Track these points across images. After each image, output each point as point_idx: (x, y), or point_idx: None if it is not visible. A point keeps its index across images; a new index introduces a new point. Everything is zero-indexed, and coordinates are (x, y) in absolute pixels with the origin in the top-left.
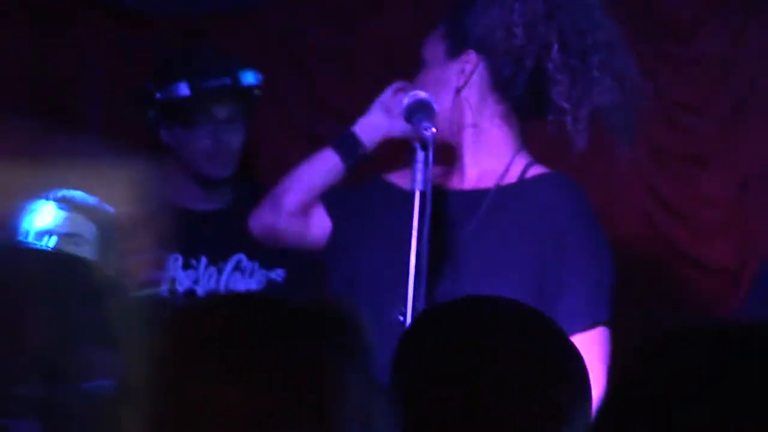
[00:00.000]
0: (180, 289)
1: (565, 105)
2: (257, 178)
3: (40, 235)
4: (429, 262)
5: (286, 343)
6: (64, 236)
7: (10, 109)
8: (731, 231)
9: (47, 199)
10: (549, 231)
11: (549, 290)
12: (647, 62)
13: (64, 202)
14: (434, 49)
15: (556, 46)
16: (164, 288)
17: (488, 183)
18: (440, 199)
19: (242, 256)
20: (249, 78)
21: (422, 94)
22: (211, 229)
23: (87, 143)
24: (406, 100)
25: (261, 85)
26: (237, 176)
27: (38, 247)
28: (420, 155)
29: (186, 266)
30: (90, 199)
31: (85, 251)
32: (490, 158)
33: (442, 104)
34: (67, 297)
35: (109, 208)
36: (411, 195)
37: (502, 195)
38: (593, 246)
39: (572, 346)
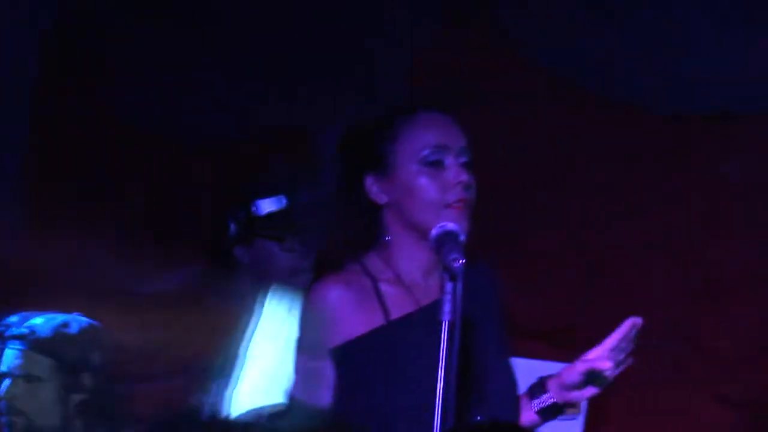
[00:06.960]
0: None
1: None
2: None
3: None
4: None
5: None
6: (18, 378)
7: None
8: None
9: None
10: None
11: None
12: None
13: (17, 338)
14: None
15: None
16: (207, 412)
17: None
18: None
19: None
20: None
21: (450, 225)
22: None
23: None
24: (434, 231)
25: None
26: None
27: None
28: (449, 286)
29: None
30: (48, 328)
31: (44, 389)
32: None
33: None
34: None
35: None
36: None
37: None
38: None
39: None
